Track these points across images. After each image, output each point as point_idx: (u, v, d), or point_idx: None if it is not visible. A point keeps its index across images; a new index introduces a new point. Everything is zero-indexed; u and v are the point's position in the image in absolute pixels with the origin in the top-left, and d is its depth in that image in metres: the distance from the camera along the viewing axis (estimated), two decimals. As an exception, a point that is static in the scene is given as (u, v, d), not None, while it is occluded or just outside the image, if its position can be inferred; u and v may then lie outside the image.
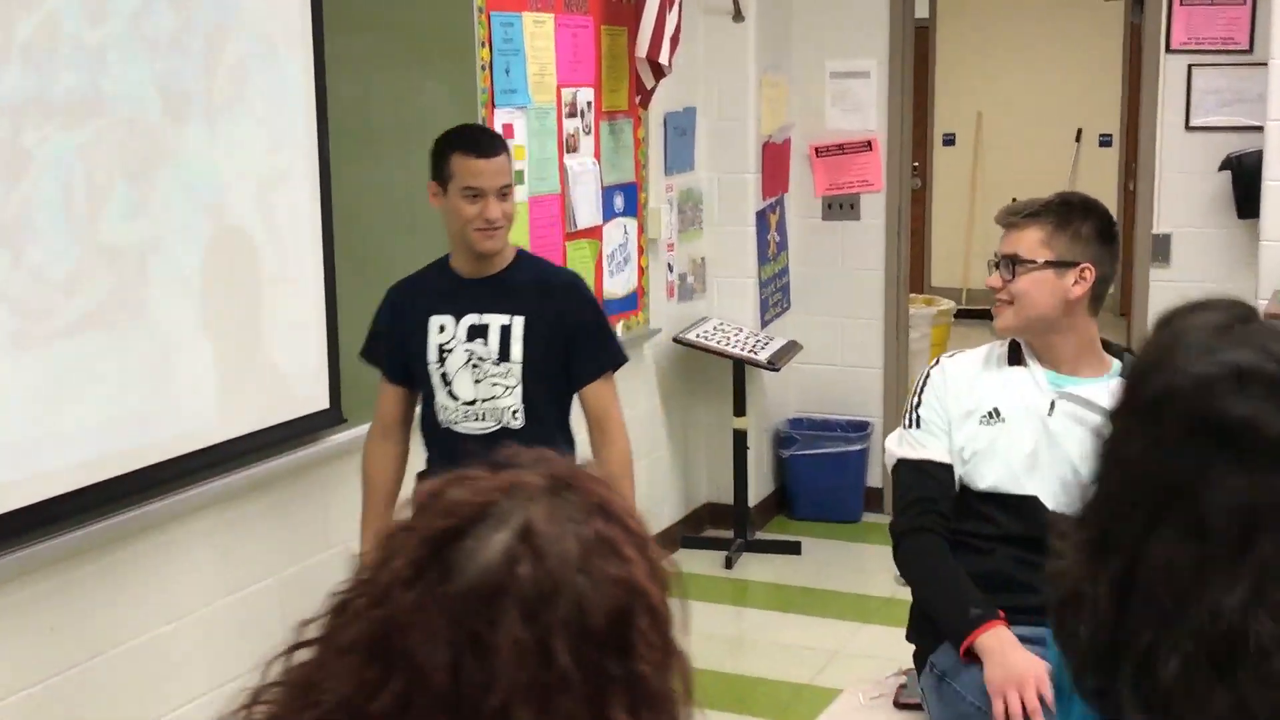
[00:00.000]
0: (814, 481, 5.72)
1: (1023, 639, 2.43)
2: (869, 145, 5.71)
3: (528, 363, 3.00)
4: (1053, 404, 2.59)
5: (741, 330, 5.41)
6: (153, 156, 2.93)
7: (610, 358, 3.13)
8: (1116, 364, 2.64)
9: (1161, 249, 5.39)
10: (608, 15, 4.71)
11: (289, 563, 3.40)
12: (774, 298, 5.70)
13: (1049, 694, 2.31)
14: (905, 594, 2.82)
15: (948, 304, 7.84)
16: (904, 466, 2.67)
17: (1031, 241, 2.60)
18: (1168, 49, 5.29)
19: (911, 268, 6.23)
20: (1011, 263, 2.61)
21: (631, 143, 4.92)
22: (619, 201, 4.84)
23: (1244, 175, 5.09)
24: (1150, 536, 1.17)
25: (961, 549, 2.60)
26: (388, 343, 3.13)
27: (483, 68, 4.07)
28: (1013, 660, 2.40)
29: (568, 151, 4.49)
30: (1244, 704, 1.12)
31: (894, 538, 2.66)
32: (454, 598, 0.95)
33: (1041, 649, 2.34)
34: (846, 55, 5.68)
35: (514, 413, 3.01)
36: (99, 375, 2.83)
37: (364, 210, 3.58)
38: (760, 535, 5.60)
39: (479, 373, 3.00)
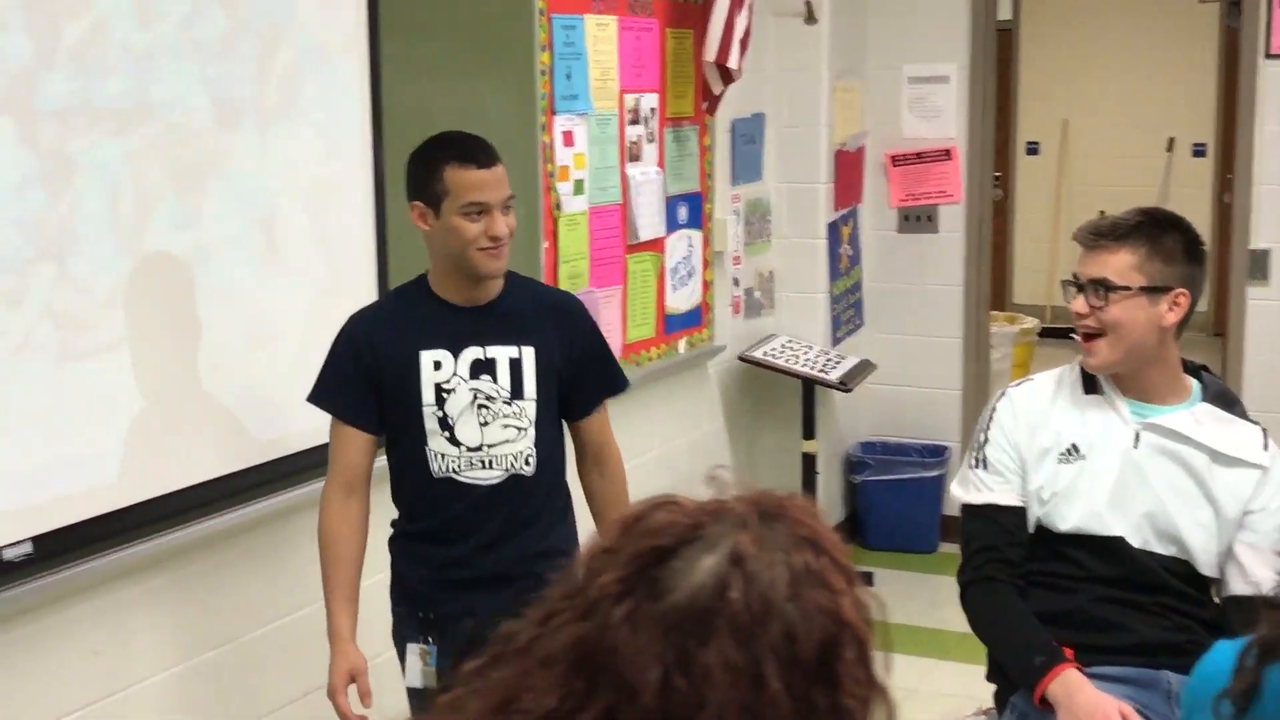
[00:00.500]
0: (887, 509, 5.64)
1: (1107, 678, 2.41)
2: (948, 154, 5.63)
3: (542, 400, 2.71)
4: (1137, 436, 2.53)
5: (811, 348, 5.34)
6: (202, 165, 2.89)
7: (615, 383, 2.87)
8: (1196, 387, 2.57)
9: (1259, 265, 5.25)
10: (673, 18, 4.63)
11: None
12: (846, 314, 5.63)
13: None
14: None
15: (1031, 322, 7.76)
16: (967, 512, 2.63)
17: (1122, 265, 2.49)
18: (1267, 54, 5.19)
19: (992, 284, 6.16)
20: (1101, 288, 2.49)
21: (697, 151, 4.82)
22: (683, 212, 4.76)
23: (1350, 187, 5.00)
24: None
25: (1043, 587, 2.57)
26: (356, 385, 2.69)
27: (542, 72, 3.98)
28: (1079, 702, 2.37)
29: (630, 160, 4.41)
30: None
31: (960, 587, 2.64)
32: (665, 615, 0.97)
33: (1127, 689, 2.40)
34: (925, 59, 5.60)
35: (527, 459, 2.69)
36: (140, 391, 2.77)
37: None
38: (830, 565, 5.48)
39: (487, 414, 2.68)
